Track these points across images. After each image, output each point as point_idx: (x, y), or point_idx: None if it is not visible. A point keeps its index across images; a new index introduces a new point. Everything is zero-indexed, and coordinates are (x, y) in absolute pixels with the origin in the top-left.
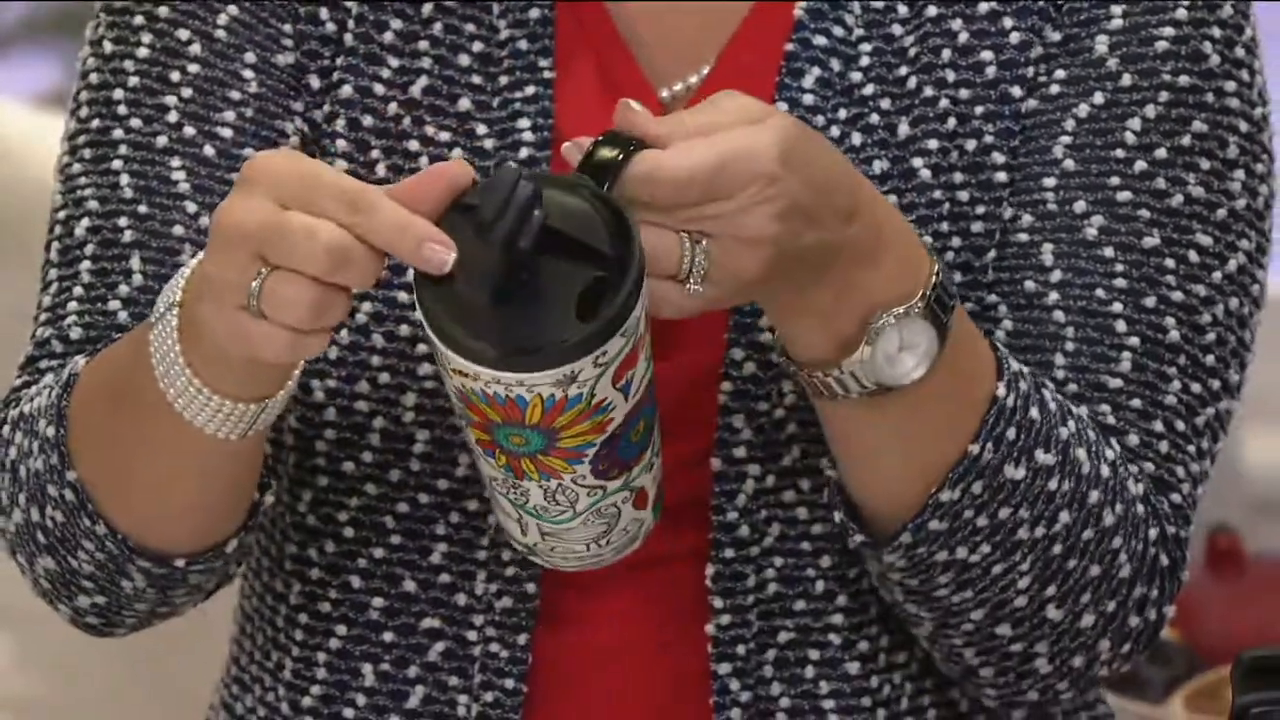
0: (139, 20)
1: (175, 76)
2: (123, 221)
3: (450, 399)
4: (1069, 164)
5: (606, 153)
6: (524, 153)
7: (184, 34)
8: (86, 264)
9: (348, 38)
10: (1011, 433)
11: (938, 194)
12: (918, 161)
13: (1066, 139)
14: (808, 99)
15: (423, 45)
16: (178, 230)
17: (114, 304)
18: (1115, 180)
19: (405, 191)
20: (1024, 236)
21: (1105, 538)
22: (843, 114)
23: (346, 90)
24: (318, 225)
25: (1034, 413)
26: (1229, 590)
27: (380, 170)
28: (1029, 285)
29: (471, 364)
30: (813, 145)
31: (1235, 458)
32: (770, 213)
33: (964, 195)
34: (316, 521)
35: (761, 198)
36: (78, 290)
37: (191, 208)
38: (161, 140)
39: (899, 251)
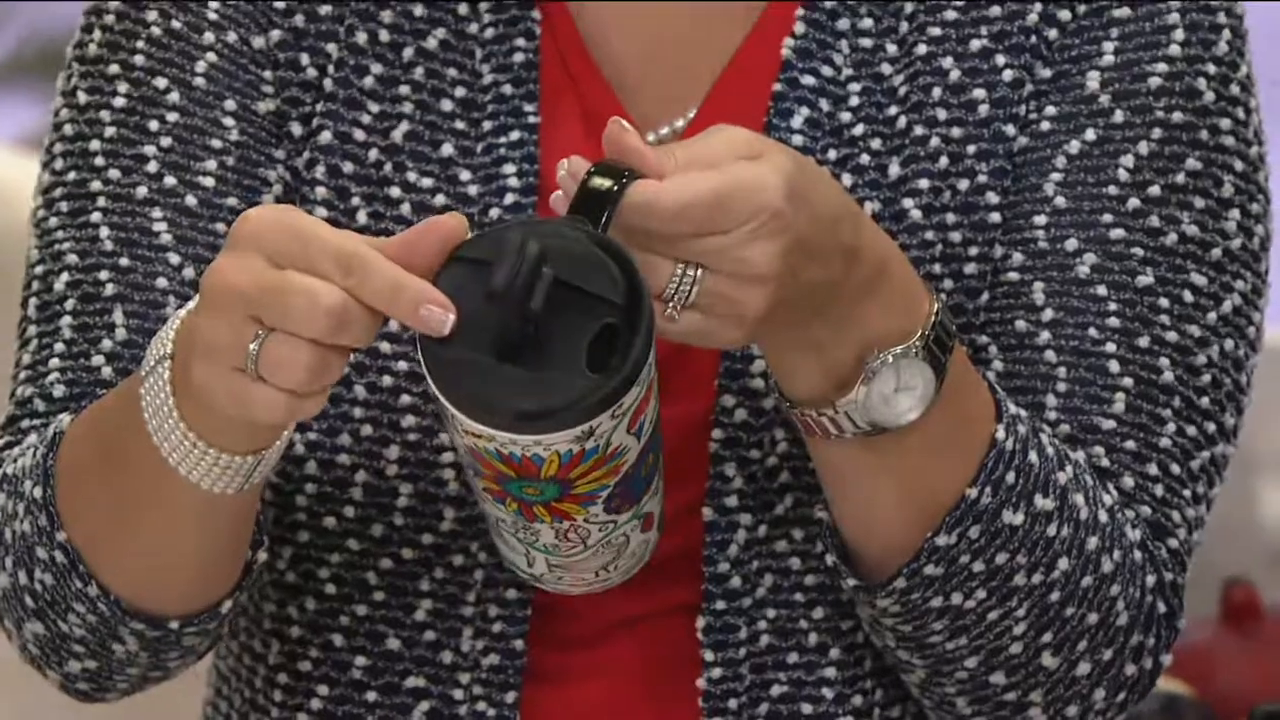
0: (114, 69)
1: (154, 126)
2: (104, 275)
3: (457, 451)
4: (1060, 201)
5: (602, 182)
6: (509, 199)
7: (162, 82)
8: (67, 319)
9: (328, 83)
10: (1010, 477)
11: (929, 235)
12: (909, 202)
13: (1057, 176)
14: (797, 140)
15: (404, 90)
16: (161, 282)
17: (97, 359)
18: (1108, 218)
19: (399, 247)
20: (1014, 275)
21: (1103, 585)
22: (832, 155)
23: (326, 136)
24: (317, 287)
25: (1033, 457)
26: (1244, 644)
27: (361, 217)
28: (1019, 325)
29: (486, 428)
30: (814, 178)
31: (1251, 510)
32: (774, 250)
33: (956, 236)
34: (296, 578)
35: (764, 233)
36: (59, 346)
37: (174, 259)
38: (141, 191)
39: (900, 288)
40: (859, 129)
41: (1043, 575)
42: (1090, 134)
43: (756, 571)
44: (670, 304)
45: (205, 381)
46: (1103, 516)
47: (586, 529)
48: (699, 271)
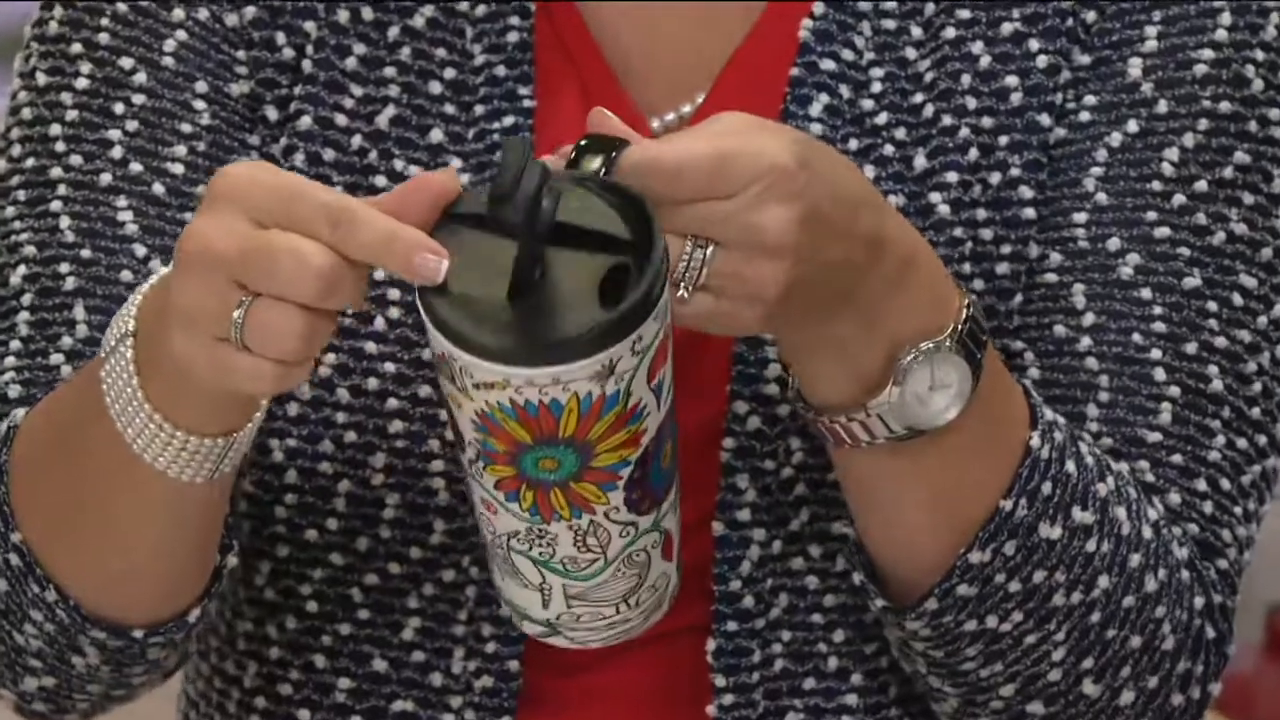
0: (76, 48)
1: (119, 109)
2: (64, 268)
3: (463, 441)
4: (1101, 198)
5: (591, 155)
6: None
7: (127, 62)
8: (24, 315)
9: (306, 64)
10: (1047, 487)
11: (958, 232)
12: (936, 196)
13: (1098, 170)
14: (815, 128)
15: (389, 72)
16: (125, 275)
17: (56, 357)
18: (1152, 215)
19: (390, 203)
20: (1053, 277)
21: (1147, 605)
22: (854, 145)
23: (305, 122)
24: (305, 247)
25: (1071, 466)
26: None
27: None
28: (1059, 330)
29: (502, 367)
30: (831, 159)
31: None
32: (787, 215)
33: (988, 233)
34: (275, 595)
35: (774, 196)
36: (14, 344)
37: (140, 251)
38: (105, 178)
39: (928, 282)
40: (882, 117)
41: (1082, 594)
42: (1132, 125)
43: (771, 590)
44: (681, 285)
45: (185, 352)
46: (1147, 532)
47: (607, 530)
48: (709, 249)
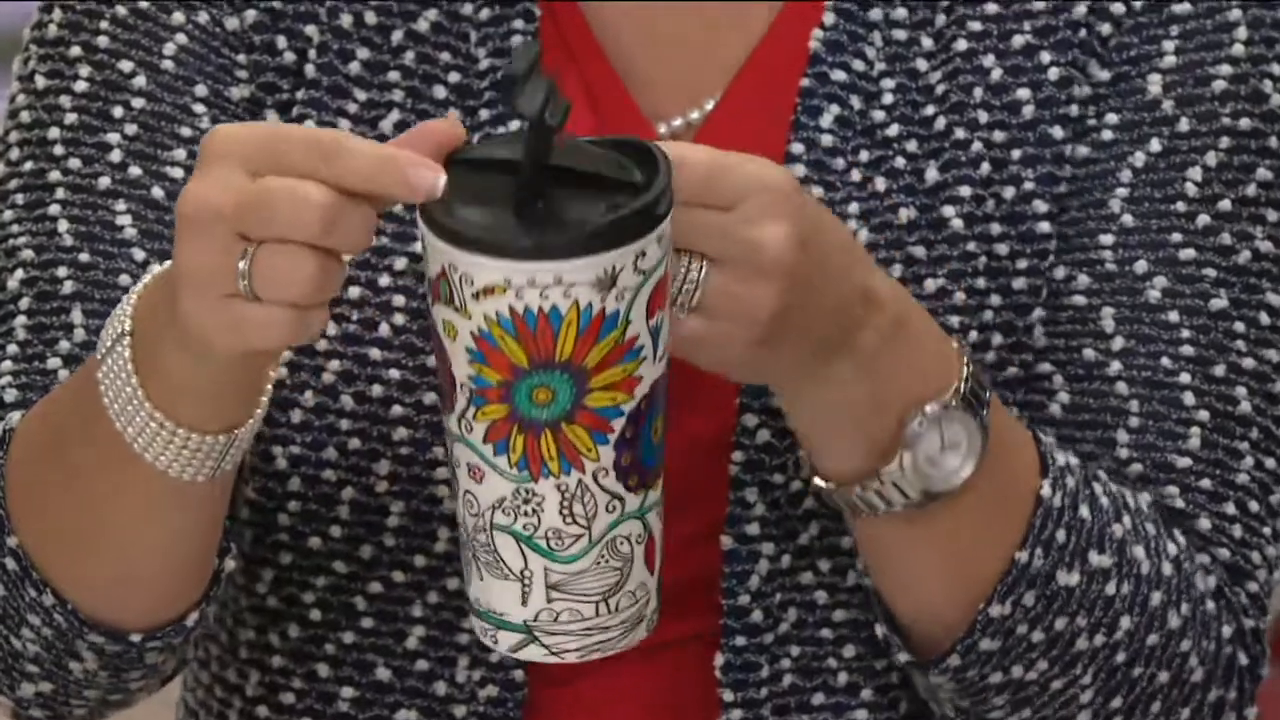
0: (75, 51)
1: (118, 112)
2: (62, 271)
3: (453, 393)
4: (1127, 219)
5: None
6: None
7: (127, 65)
8: (21, 319)
9: (309, 69)
10: (1061, 535)
11: (972, 246)
12: (949, 210)
13: (1123, 191)
14: (826, 140)
15: (393, 76)
16: (123, 279)
17: (53, 361)
18: (1177, 237)
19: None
20: (1081, 299)
21: (1172, 641)
22: (864, 156)
23: (309, 127)
24: (300, 186)
25: (1084, 511)
26: None
27: None
28: (1088, 354)
29: (503, 262)
30: (823, 209)
31: None
32: (786, 234)
33: (1003, 248)
34: (278, 603)
35: (772, 212)
36: (12, 348)
37: (139, 255)
38: (104, 181)
39: (925, 340)
40: (893, 129)
41: (1105, 636)
42: (1155, 144)
43: (780, 605)
44: (677, 303)
45: (197, 316)
46: (1166, 569)
47: (594, 499)
48: (705, 267)
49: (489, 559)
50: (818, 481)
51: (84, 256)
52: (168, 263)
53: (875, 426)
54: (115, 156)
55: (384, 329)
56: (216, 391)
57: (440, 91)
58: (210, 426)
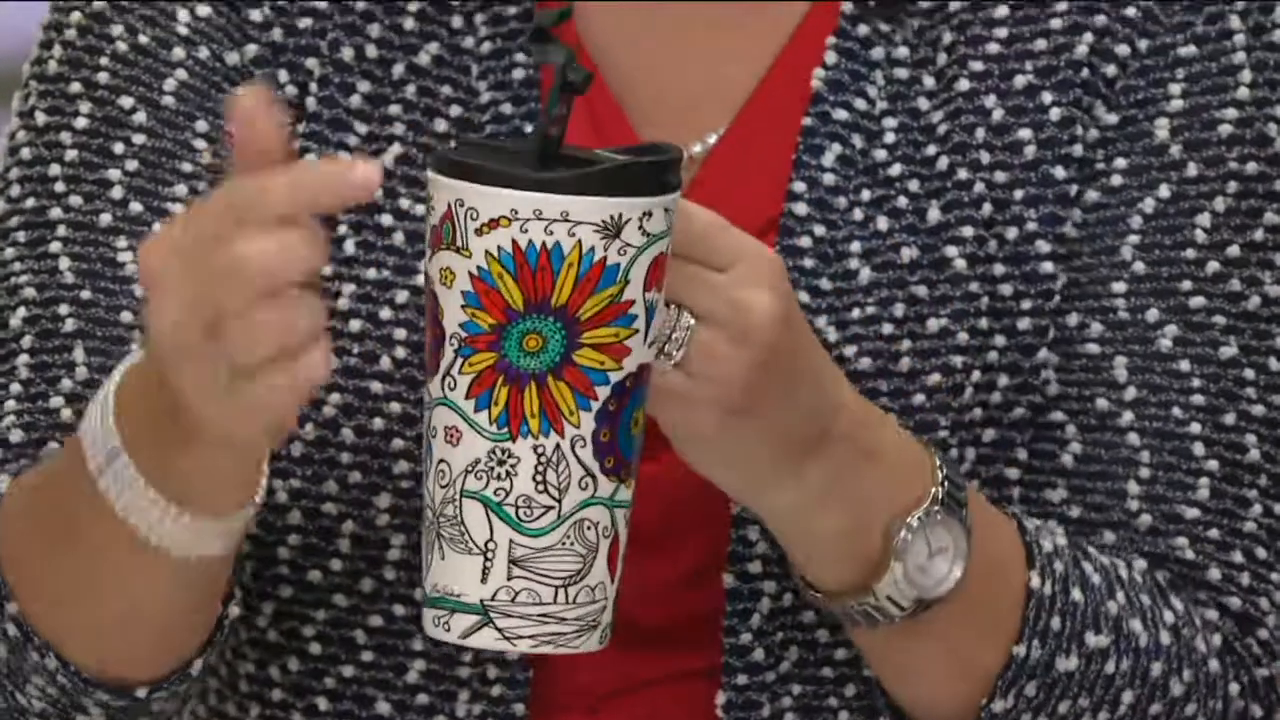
0: (76, 88)
1: (119, 148)
2: (63, 309)
3: (440, 348)
4: (1139, 267)
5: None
6: None
7: (127, 101)
8: (24, 358)
9: (310, 102)
10: (1056, 622)
11: (975, 286)
12: (951, 250)
13: (1134, 239)
14: (828, 179)
15: (394, 110)
16: (125, 317)
17: (56, 400)
18: (1187, 285)
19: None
20: (1094, 348)
21: (1176, 708)
22: (866, 195)
23: (310, 159)
24: (237, 251)
25: (1076, 594)
26: None
27: (349, 247)
28: (1101, 404)
29: (511, 192)
30: (805, 319)
31: None
32: (773, 304)
33: (1007, 289)
34: (279, 637)
35: (763, 281)
36: (14, 387)
37: (140, 291)
38: (105, 219)
39: (899, 449)
40: (895, 169)
41: (1109, 713)
42: (1164, 190)
43: (781, 644)
44: (662, 352)
45: (217, 420)
46: (1165, 639)
47: (568, 470)
48: (694, 323)
49: (453, 533)
50: (811, 592)
51: (85, 294)
52: (124, 367)
53: (860, 543)
54: (116, 193)
55: (385, 362)
56: (237, 471)
57: (441, 125)
58: (230, 506)
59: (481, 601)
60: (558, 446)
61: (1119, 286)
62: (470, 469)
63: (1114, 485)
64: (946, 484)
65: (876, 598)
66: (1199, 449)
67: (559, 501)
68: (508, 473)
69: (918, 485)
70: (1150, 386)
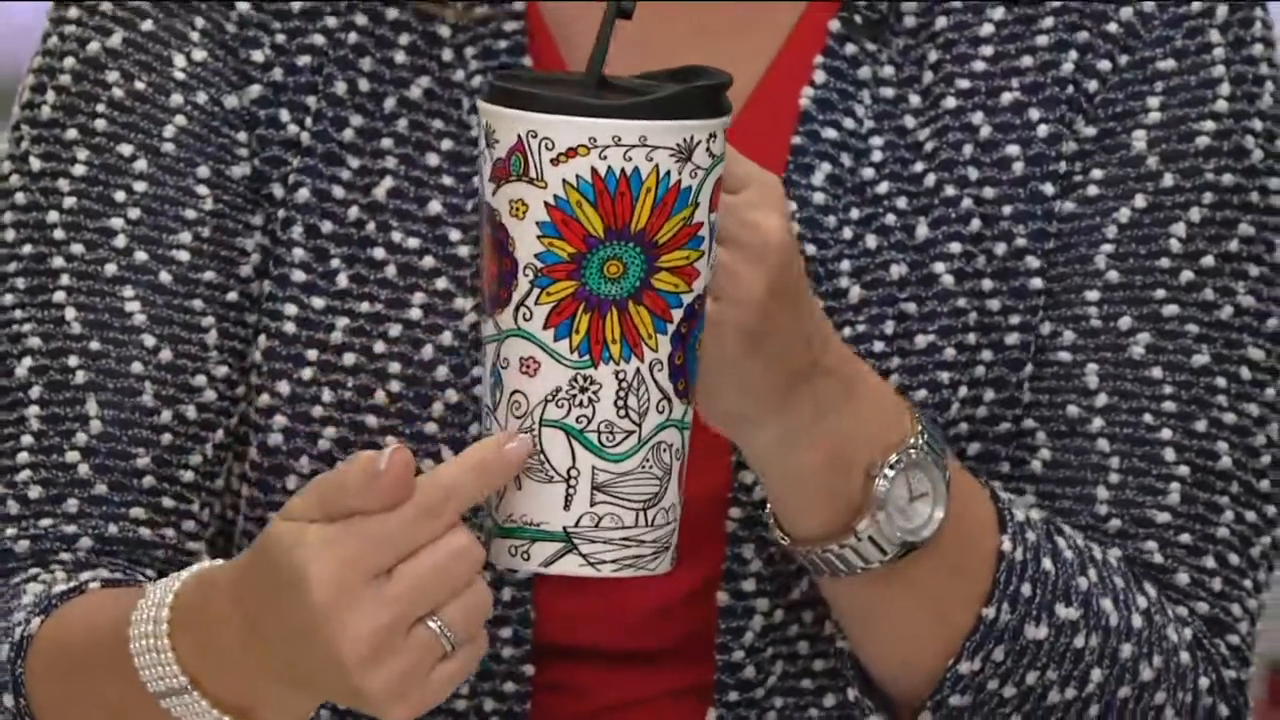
0: (72, 134)
1: (120, 196)
2: (73, 361)
3: (512, 281)
4: (1112, 275)
5: None
6: None
7: (127, 149)
8: (34, 409)
9: (304, 136)
10: (1027, 589)
11: (962, 302)
12: (939, 266)
13: (1108, 247)
14: (818, 197)
15: (386, 143)
16: (136, 367)
17: (72, 455)
18: (1161, 293)
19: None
20: (1066, 355)
21: (1145, 694)
22: (855, 214)
23: (304, 194)
24: (433, 558)
25: (1047, 564)
26: None
27: (342, 280)
28: (1071, 410)
29: (590, 120)
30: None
31: None
32: (779, 223)
33: (994, 304)
34: None
35: (771, 203)
36: (26, 439)
37: (149, 341)
38: (110, 268)
39: (881, 397)
40: (883, 186)
41: (1077, 689)
42: (1140, 200)
43: (770, 659)
44: None
45: (402, 714)
46: (1136, 621)
47: (647, 393)
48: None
49: (532, 463)
50: (782, 539)
51: (94, 345)
52: (168, 595)
53: (840, 482)
54: (120, 242)
55: (380, 397)
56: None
57: (433, 159)
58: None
59: (565, 529)
60: (638, 371)
61: (1092, 294)
62: (550, 398)
63: (1083, 490)
64: (925, 435)
65: (859, 539)
66: (1170, 454)
67: (639, 426)
68: (590, 400)
69: (897, 430)
70: (1121, 393)
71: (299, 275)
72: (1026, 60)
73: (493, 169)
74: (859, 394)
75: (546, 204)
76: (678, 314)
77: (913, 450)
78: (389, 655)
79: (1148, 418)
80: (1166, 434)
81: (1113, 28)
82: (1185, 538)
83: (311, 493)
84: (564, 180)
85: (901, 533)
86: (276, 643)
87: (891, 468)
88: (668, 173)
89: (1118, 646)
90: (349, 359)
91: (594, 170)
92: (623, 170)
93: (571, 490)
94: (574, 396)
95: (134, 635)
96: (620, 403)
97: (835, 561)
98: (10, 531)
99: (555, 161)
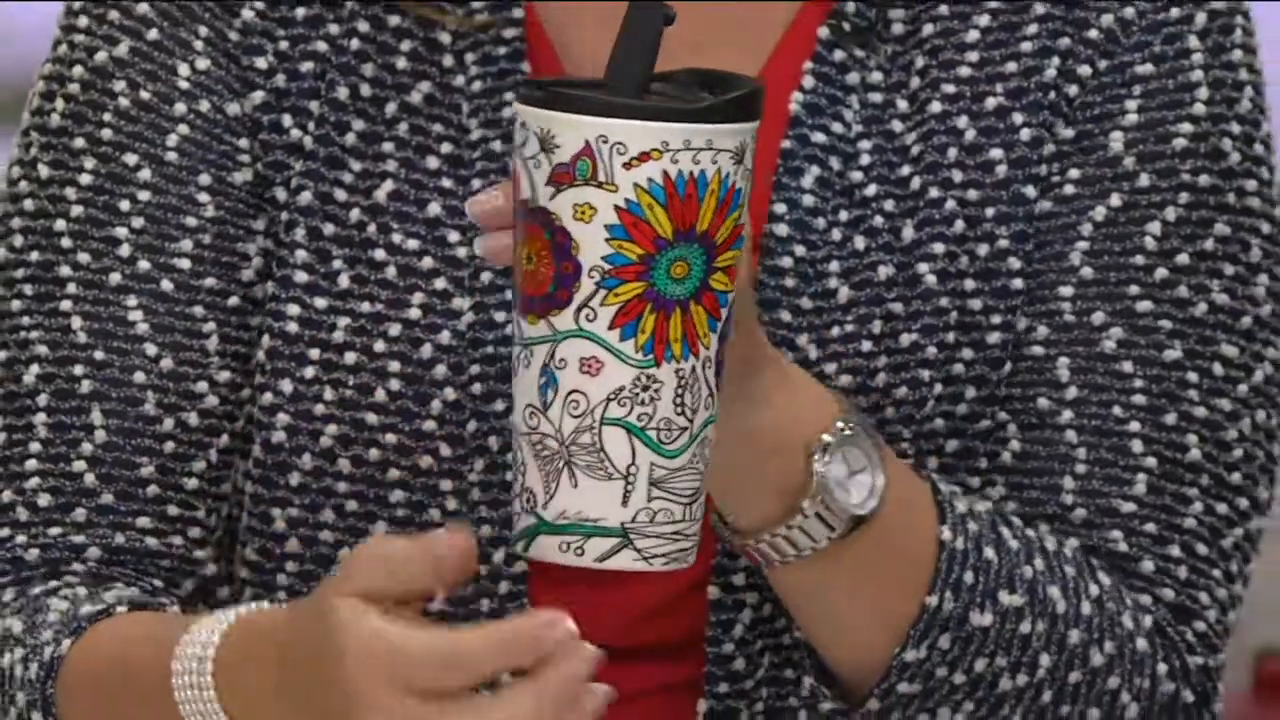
0: (79, 143)
1: (125, 206)
2: (78, 370)
3: (575, 284)
4: (1087, 272)
5: None
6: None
7: (132, 159)
8: (41, 416)
9: (307, 141)
10: (969, 577)
11: (943, 302)
12: (923, 267)
13: (1083, 244)
14: (807, 200)
15: (387, 147)
16: (138, 377)
17: (78, 464)
18: (1135, 289)
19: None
20: (1039, 350)
21: (1097, 679)
22: (844, 216)
23: (306, 197)
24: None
25: (989, 553)
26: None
27: (343, 281)
28: (1042, 403)
29: (661, 124)
30: None
31: None
32: None
33: (976, 304)
34: None
35: None
36: (34, 446)
37: (151, 350)
38: (115, 278)
39: (809, 383)
40: (871, 189)
41: (1027, 676)
42: (1116, 199)
43: (759, 651)
44: None
45: None
46: (1086, 608)
47: (699, 388)
48: None
49: (590, 460)
50: (731, 536)
51: (99, 354)
52: (208, 649)
53: (779, 464)
54: (124, 251)
55: (380, 394)
56: None
57: (433, 162)
58: None
59: (622, 524)
60: (693, 369)
61: (1066, 290)
62: (613, 396)
63: (1050, 480)
64: (852, 414)
65: (805, 515)
66: (1137, 446)
67: (692, 422)
68: (651, 398)
69: (828, 413)
70: (1091, 386)
71: (302, 276)
72: (1011, 66)
73: (552, 173)
74: (794, 377)
75: (617, 207)
76: (724, 312)
77: (845, 428)
78: None
79: (1117, 410)
80: (1135, 426)
81: (1094, 34)
82: (1150, 527)
83: (379, 562)
84: (635, 184)
85: (846, 507)
86: (307, 709)
87: (828, 447)
88: (728, 175)
89: (1065, 632)
90: (350, 358)
91: (665, 173)
92: (691, 173)
93: (630, 487)
94: (636, 395)
95: (177, 670)
96: (678, 400)
97: (785, 545)
98: (21, 539)
99: (627, 165)
